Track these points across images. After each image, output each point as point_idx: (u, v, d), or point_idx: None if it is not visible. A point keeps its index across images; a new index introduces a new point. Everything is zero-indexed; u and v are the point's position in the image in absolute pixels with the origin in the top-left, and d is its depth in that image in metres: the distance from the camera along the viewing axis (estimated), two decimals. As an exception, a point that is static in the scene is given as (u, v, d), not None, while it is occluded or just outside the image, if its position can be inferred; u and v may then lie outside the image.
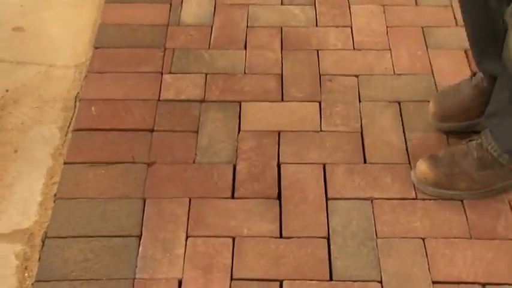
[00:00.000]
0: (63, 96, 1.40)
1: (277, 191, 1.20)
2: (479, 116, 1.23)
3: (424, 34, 1.51)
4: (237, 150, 1.27)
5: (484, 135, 1.17)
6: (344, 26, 1.54)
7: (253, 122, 1.33)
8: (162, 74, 1.43)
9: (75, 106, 1.37)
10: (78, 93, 1.40)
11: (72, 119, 1.34)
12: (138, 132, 1.31)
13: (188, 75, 1.43)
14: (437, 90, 1.38)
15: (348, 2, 1.60)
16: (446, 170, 1.17)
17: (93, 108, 1.35)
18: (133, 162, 1.25)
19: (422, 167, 1.18)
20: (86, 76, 1.43)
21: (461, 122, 1.26)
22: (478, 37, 1.21)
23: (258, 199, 1.19)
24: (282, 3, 1.61)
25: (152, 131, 1.31)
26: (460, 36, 1.49)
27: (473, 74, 1.28)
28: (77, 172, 1.23)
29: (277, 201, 1.19)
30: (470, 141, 1.19)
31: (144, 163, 1.25)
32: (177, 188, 1.21)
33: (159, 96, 1.38)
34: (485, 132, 1.17)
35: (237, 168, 1.24)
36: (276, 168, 1.24)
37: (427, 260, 1.09)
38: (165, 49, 1.49)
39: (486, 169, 1.16)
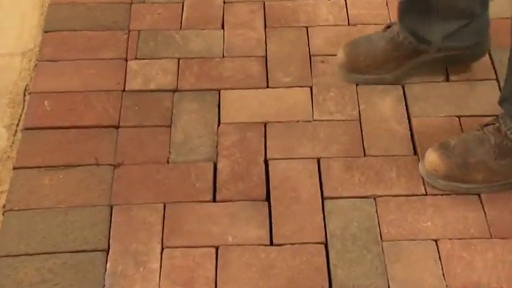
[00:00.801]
0: (9, 89, 1.38)
1: (265, 191, 1.20)
2: (390, 71, 1.30)
3: (428, 5, 1.51)
4: (217, 146, 1.26)
5: (502, 119, 1.17)
6: (337, -2, 1.54)
7: (235, 112, 1.32)
8: (126, 60, 1.42)
9: (24, 101, 1.35)
10: (27, 85, 1.38)
11: (21, 116, 1.32)
12: (101, 129, 1.29)
13: (157, 60, 1.41)
14: (446, 68, 1.37)
15: (341, -31, 1.60)
16: (460, 160, 1.17)
17: (46, 103, 1.33)
18: (97, 164, 1.23)
19: (431, 157, 1.18)
20: (35, 65, 1.41)
21: (371, 75, 1.31)
22: None
23: (243, 201, 1.18)
24: (264, -26, 1.60)
25: (118, 127, 1.30)
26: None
27: (388, 26, 1.33)
28: (30, 178, 1.21)
29: (266, 203, 1.18)
30: (486, 126, 1.18)
31: (110, 165, 1.23)
32: (149, 192, 1.19)
33: (124, 86, 1.37)
34: (503, 116, 1.17)
35: (218, 166, 1.23)
36: (263, 165, 1.23)
37: (441, 264, 1.09)
38: (129, 31, 1.47)
39: (506, 157, 1.16)
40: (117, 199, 1.18)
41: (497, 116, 1.19)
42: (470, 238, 1.12)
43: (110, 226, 1.15)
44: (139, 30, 1.47)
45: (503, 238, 1.12)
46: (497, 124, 1.17)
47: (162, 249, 1.12)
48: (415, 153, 1.24)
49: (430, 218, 1.15)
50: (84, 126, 1.29)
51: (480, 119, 1.27)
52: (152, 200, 1.18)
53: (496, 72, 1.36)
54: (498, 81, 1.34)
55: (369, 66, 1.33)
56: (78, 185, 1.20)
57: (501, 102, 1.19)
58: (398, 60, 1.32)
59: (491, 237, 1.12)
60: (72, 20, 1.49)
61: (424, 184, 1.19)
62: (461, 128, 1.27)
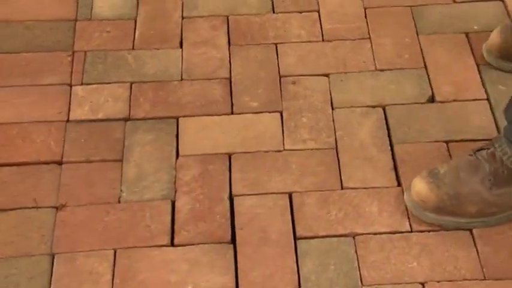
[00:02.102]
0: None
1: (230, 232, 1.22)
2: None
3: (413, 15, 1.57)
4: (175, 182, 1.29)
5: (497, 143, 1.21)
6: (309, 11, 1.58)
7: (196, 143, 1.35)
8: (71, 85, 1.45)
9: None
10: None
11: None
12: (41, 166, 1.31)
13: (107, 85, 1.45)
14: (431, 86, 1.43)
15: (313, -22, 1.65)
16: (451, 191, 1.20)
17: (-24, 137, 1.35)
18: (36, 207, 1.25)
19: (419, 187, 1.21)
20: (-36, 93, 1.43)
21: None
22: None
23: (205, 244, 1.20)
24: (227, -15, 1.65)
25: (61, 163, 1.32)
26: (460, 16, 1.55)
27: (481, 148, 1.26)
28: (-44, 225, 1.22)
29: (231, 245, 1.21)
30: (480, 151, 1.22)
31: (51, 207, 1.25)
32: (97, 237, 1.21)
33: (69, 115, 1.39)
34: (499, 139, 1.21)
35: (177, 205, 1.26)
36: (228, 202, 1.26)
37: (429, 310, 1.13)
38: (73, 52, 1.50)
39: (503, 187, 1.19)
40: (60, 247, 1.20)
41: (491, 139, 1.23)
42: (462, 280, 1.15)
43: (51, 279, 1.16)
44: (85, 51, 1.50)
45: (498, 279, 1.15)
46: (491, 149, 1.20)
47: (112, 302, 1.14)
48: (399, 184, 1.28)
49: (416, 258, 1.18)
50: (20, 163, 1.31)
51: (471, 144, 1.31)
52: (100, 247, 1.20)
53: (486, 91, 1.41)
54: (489, 101, 1.39)
55: None
56: (13, 232, 1.21)
57: (505, 111, 1.20)
58: None
59: (484, 279, 1.16)
60: (7, 41, 1.52)
61: (409, 219, 1.23)
62: (450, 155, 1.32)
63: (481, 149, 1.22)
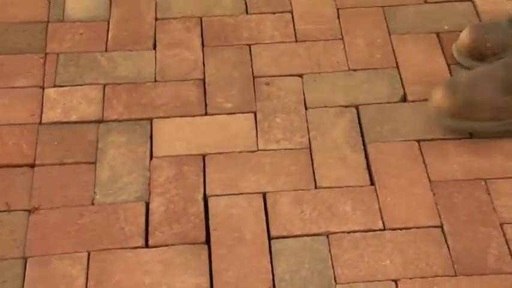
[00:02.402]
0: None
1: (204, 232, 1.23)
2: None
3: (385, 16, 1.58)
4: (149, 184, 1.29)
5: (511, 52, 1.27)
6: (282, 12, 1.59)
7: (170, 144, 1.35)
8: (43, 88, 1.44)
9: None
10: None
11: None
12: (14, 169, 1.31)
13: (79, 87, 1.44)
14: (403, 86, 1.44)
15: (286, -21, 1.66)
16: (466, 96, 1.26)
17: None
18: (8, 211, 1.25)
19: (437, 94, 1.27)
20: None
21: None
22: None
23: (180, 245, 1.21)
24: (200, -14, 1.66)
25: (33, 165, 1.32)
26: (431, 16, 1.57)
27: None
28: None
29: (206, 245, 1.21)
30: (500, 58, 1.29)
31: (24, 210, 1.25)
32: (71, 240, 1.21)
33: (41, 118, 1.39)
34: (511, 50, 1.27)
35: (151, 206, 1.26)
36: (202, 203, 1.27)
37: (402, 307, 1.14)
38: (45, 54, 1.50)
39: None
40: (33, 250, 1.19)
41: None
42: (433, 276, 1.17)
43: (24, 283, 1.15)
44: (58, 54, 1.50)
45: (468, 275, 1.17)
46: (505, 58, 1.27)
47: (87, 304, 1.14)
48: (372, 183, 1.29)
49: (389, 255, 1.20)
50: (-7, 166, 1.31)
51: (442, 143, 1.34)
52: (74, 249, 1.20)
53: (457, 90, 1.43)
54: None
55: (496, 54, 1.37)
56: (-16, 236, 1.21)
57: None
58: None
59: (455, 275, 1.17)
60: (-23, 43, 1.51)
61: (382, 218, 1.24)
62: (421, 153, 1.33)
63: (499, 58, 1.30)
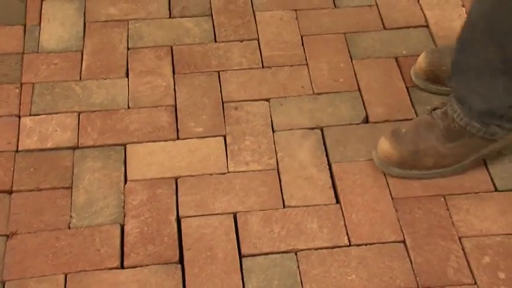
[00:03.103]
0: None
1: (178, 252, 1.24)
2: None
3: (347, 42, 1.61)
4: (124, 207, 1.30)
5: (449, 102, 1.29)
6: (249, 39, 1.61)
7: (143, 168, 1.36)
8: (19, 116, 1.44)
9: None
10: None
11: None
12: (-8, 196, 1.31)
13: (55, 115, 1.45)
14: (365, 108, 1.47)
15: (252, 8, 1.68)
16: (411, 147, 1.29)
17: None
18: (-13, 235, 1.25)
19: (384, 145, 1.30)
20: None
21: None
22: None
23: (154, 265, 1.22)
24: (170, 16, 1.67)
25: (11, 192, 1.32)
26: (389, 42, 1.60)
27: (436, 107, 1.36)
28: None
29: (179, 265, 1.22)
30: (435, 110, 1.31)
31: (2, 235, 1.25)
32: (48, 263, 1.21)
33: (18, 145, 1.39)
34: (450, 99, 1.29)
35: (126, 229, 1.27)
36: (175, 224, 1.28)
37: (368, 319, 1.16)
38: (21, 84, 1.50)
39: (455, 140, 1.28)
40: (10, 274, 1.19)
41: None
42: (398, 289, 1.19)
43: (3, 305, 1.16)
44: (33, 83, 1.50)
45: (430, 287, 1.19)
46: (444, 108, 1.29)
47: (64, 325, 1.14)
48: (337, 201, 1.31)
49: (355, 270, 1.21)
50: (-29, 194, 1.31)
51: (403, 161, 1.36)
52: (51, 272, 1.20)
53: (415, 112, 1.45)
54: (419, 121, 1.44)
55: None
56: (-36, 261, 1.20)
57: (448, 79, 1.30)
58: None
59: (418, 287, 1.19)
60: (-47, 75, 1.51)
61: (347, 234, 1.26)
62: (383, 172, 1.35)
63: (436, 108, 1.31)
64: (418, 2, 1.69)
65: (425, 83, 1.47)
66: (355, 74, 1.54)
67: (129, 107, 1.47)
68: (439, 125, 1.29)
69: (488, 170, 1.35)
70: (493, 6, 1.17)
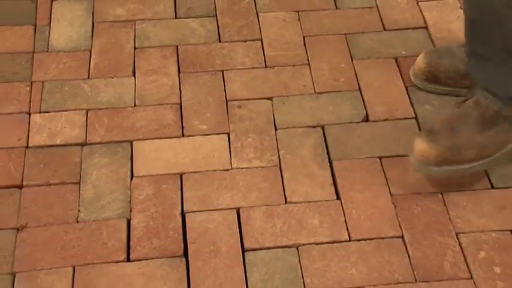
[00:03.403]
0: None
1: (182, 246, 1.24)
2: (470, 87, 1.31)
3: (347, 42, 1.61)
4: (130, 201, 1.30)
5: (478, 90, 1.25)
6: (253, 40, 1.62)
7: (149, 164, 1.37)
8: (29, 114, 1.45)
9: None
10: None
11: None
12: (2, 190, 1.31)
13: (64, 113, 1.45)
14: (365, 107, 1.47)
15: (256, 9, 1.68)
16: (448, 142, 1.23)
17: None
18: (-2, 229, 1.25)
19: (420, 145, 1.24)
20: None
21: (450, 87, 1.35)
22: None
23: (159, 259, 1.22)
24: (176, 17, 1.67)
25: (21, 186, 1.32)
26: (389, 42, 1.60)
27: (465, 98, 1.33)
28: None
29: (184, 258, 1.22)
30: (465, 102, 1.27)
31: (12, 228, 1.25)
32: (57, 256, 1.22)
33: (28, 142, 1.40)
34: (478, 87, 1.26)
35: (132, 223, 1.27)
36: (180, 219, 1.28)
37: (367, 312, 1.16)
38: (31, 82, 1.51)
39: (492, 127, 1.24)
40: (21, 266, 1.20)
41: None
42: (395, 283, 1.19)
43: (12, 296, 1.16)
44: (43, 82, 1.51)
45: (427, 281, 1.19)
46: (475, 97, 1.26)
47: (72, 316, 1.15)
48: (338, 197, 1.32)
49: (354, 264, 1.22)
50: (-18, 188, 1.31)
51: (402, 159, 1.36)
52: (60, 264, 1.20)
53: (414, 111, 1.45)
54: (417, 120, 1.44)
55: (450, 78, 1.39)
56: (-25, 254, 1.21)
57: (470, 72, 1.28)
58: None
59: (416, 281, 1.19)
60: (-35, 73, 1.51)
61: (347, 230, 1.27)
62: (383, 169, 1.36)
63: (466, 99, 1.28)
64: (418, 4, 1.69)
65: (424, 83, 1.47)
66: (356, 74, 1.54)
67: (135, 105, 1.48)
68: (473, 115, 1.24)
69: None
70: None
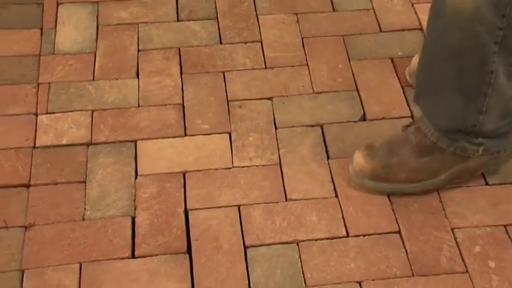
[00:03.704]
0: None
1: (186, 243, 1.24)
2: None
3: (345, 43, 1.61)
4: (135, 200, 1.31)
5: (422, 119, 1.27)
6: (253, 41, 1.62)
7: (153, 163, 1.37)
8: (36, 115, 1.45)
9: None
10: None
11: None
12: (10, 189, 1.31)
13: (70, 113, 1.45)
14: (362, 106, 1.47)
15: (256, 12, 1.68)
16: (383, 161, 1.27)
17: (-50, 165, 1.34)
18: (6, 227, 1.25)
19: (357, 158, 1.28)
20: None
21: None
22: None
23: (163, 255, 1.22)
24: (178, 19, 1.67)
25: (28, 185, 1.32)
26: (385, 43, 1.60)
27: (410, 124, 1.31)
28: None
29: (187, 255, 1.22)
30: (408, 127, 1.29)
31: (20, 226, 1.26)
32: (64, 253, 1.22)
33: (35, 142, 1.40)
34: (422, 116, 1.27)
35: (137, 220, 1.27)
36: (183, 216, 1.28)
37: (366, 306, 1.16)
38: (38, 84, 1.51)
39: (426, 155, 1.26)
40: (29, 263, 1.20)
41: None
42: (393, 277, 1.19)
43: (21, 293, 1.16)
44: (49, 83, 1.51)
45: (424, 275, 1.20)
46: (418, 124, 1.27)
47: (79, 312, 1.15)
48: (336, 195, 1.32)
49: (353, 259, 1.22)
50: (-9, 188, 1.31)
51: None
52: (67, 261, 1.21)
53: (410, 110, 1.45)
54: (413, 118, 1.44)
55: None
56: (-15, 251, 1.21)
57: (415, 99, 1.29)
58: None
59: (413, 275, 1.20)
60: (-26, 76, 1.51)
61: (345, 226, 1.27)
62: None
63: (409, 125, 1.30)
64: (413, 6, 1.69)
65: None
66: (353, 74, 1.54)
67: (139, 106, 1.48)
68: (411, 140, 1.27)
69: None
70: (444, 26, 1.14)
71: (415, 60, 1.46)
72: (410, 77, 1.48)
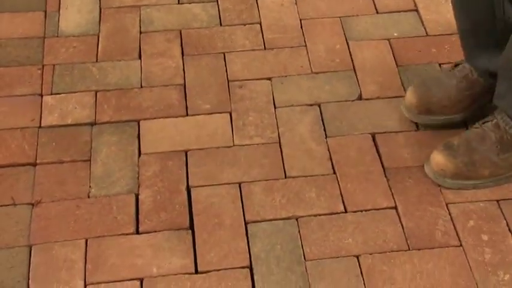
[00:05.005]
0: None
1: (188, 219, 1.23)
2: (463, 111, 1.31)
3: (342, 25, 1.59)
4: (138, 177, 1.29)
5: (499, 115, 1.25)
6: (252, 23, 1.60)
7: (155, 142, 1.35)
8: (41, 95, 1.43)
9: None
10: None
11: None
12: (17, 168, 1.30)
13: (74, 94, 1.44)
14: (359, 86, 1.46)
15: (255, -6, 1.66)
16: (465, 159, 1.24)
17: (-42, 144, 1.33)
18: (14, 204, 1.24)
19: (438, 158, 1.24)
20: None
21: (445, 115, 1.31)
22: (474, 29, 1.25)
23: (166, 231, 1.21)
24: (179, 2, 1.65)
25: (35, 164, 1.31)
26: (382, 25, 1.58)
27: (455, 65, 1.34)
28: None
29: (189, 231, 1.22)
30: (485, 123, 1.26)
31: (28, 203, 1.25)
32: (70, 229, 1.21)
33: (40, 122, 1.38)
34: (499, 112, 1.25)
35: (140, 198, 1.26)
36: (186, 193, 1.27)
37: (363, 279, 1.15)
38: (43, 66, 1.49)
39: (508, 151, 1.24)
40: (36, 238, 1.19)
41: (493, 112, 1.27)
42: (390, 251, 1.19)
43: (29, 267, 1.15)
44: (54, 65, 1.49)
45: (419, 249, 1.19)
46: (495, 120, 1.25)
47: (85, 286, 1.13)
48: (334, 172, 1.31)
49: (351, 234, 1.21)
50: (-2, 166, 1.30)
51: (393, 135, 1.35)
52: (73, 237, 1.20)
53: (405, 90, 1.43)
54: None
55: (445, 107, 1.32)
56: (-6, 227, 1.20)
57: (496, 99, 1.26)
58: (472, 98, 1.32)
59: (409, 249, 1.19)
60: (-19, 57, 1.50)
61: (343, 202, 1.26)
62: (376, 144, 1.35)
63: (486, 121, 1.27)
64: (408, -13, 1.67)
65: (418, 116, 1.35)
66: (350, 55, 1.52)
67: (141, 86, 1.46)
68: (491, 137, 1.24)
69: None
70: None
71: (410, 94, 1.34)
72: (407, 111, 1.36)
